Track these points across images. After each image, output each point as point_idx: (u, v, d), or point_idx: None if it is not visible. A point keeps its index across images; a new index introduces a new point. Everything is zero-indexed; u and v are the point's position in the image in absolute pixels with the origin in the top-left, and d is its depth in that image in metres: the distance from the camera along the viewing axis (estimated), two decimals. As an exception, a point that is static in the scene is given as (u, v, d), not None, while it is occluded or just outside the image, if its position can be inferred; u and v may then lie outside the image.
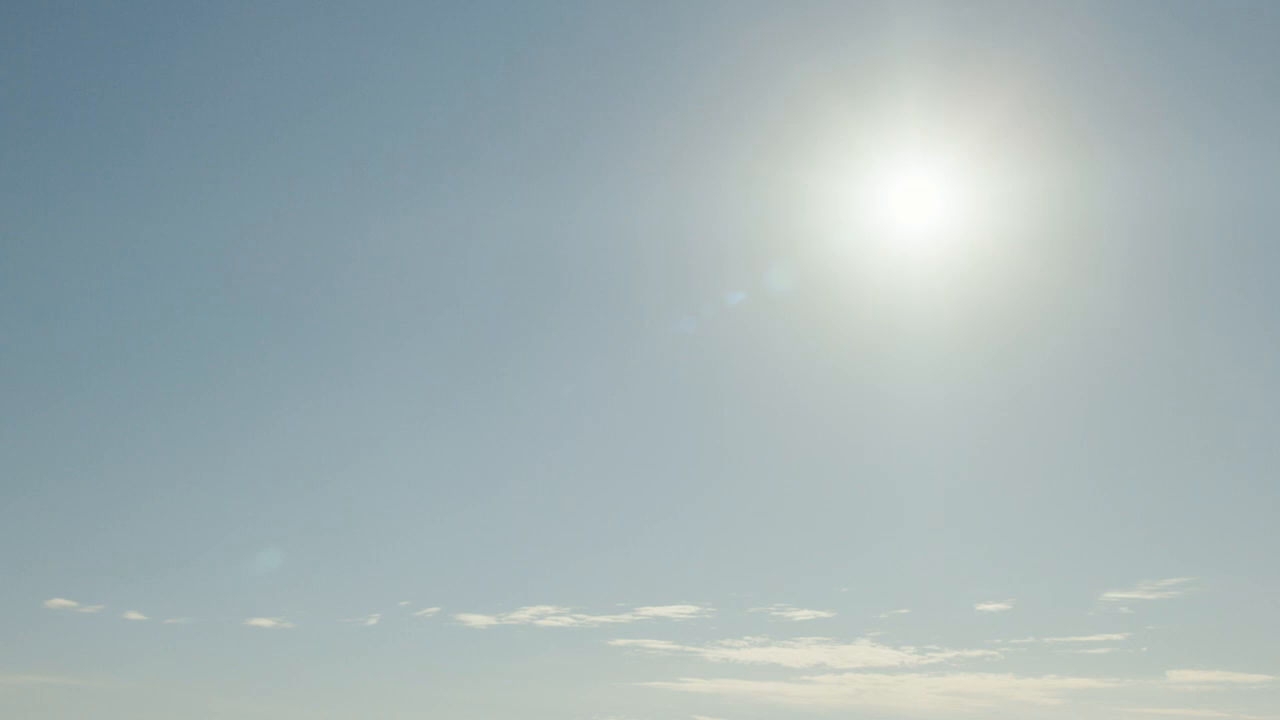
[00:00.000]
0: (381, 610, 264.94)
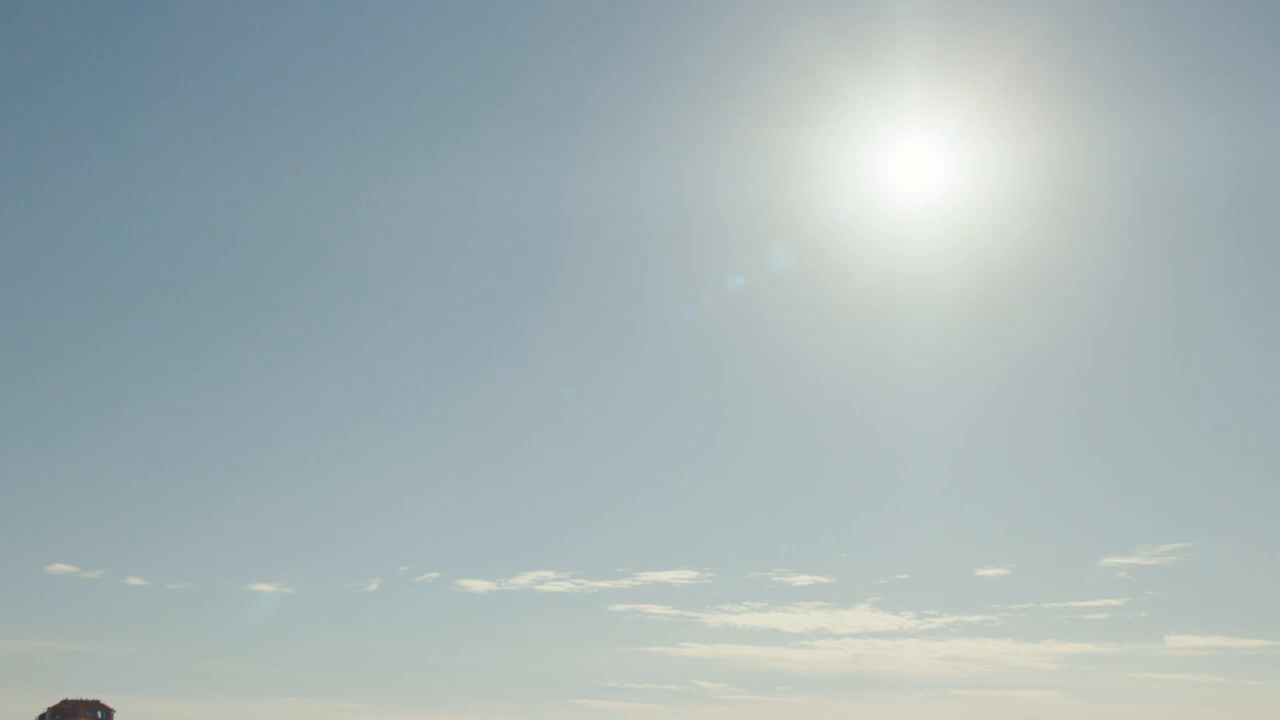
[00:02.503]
0: (382, 575, 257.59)
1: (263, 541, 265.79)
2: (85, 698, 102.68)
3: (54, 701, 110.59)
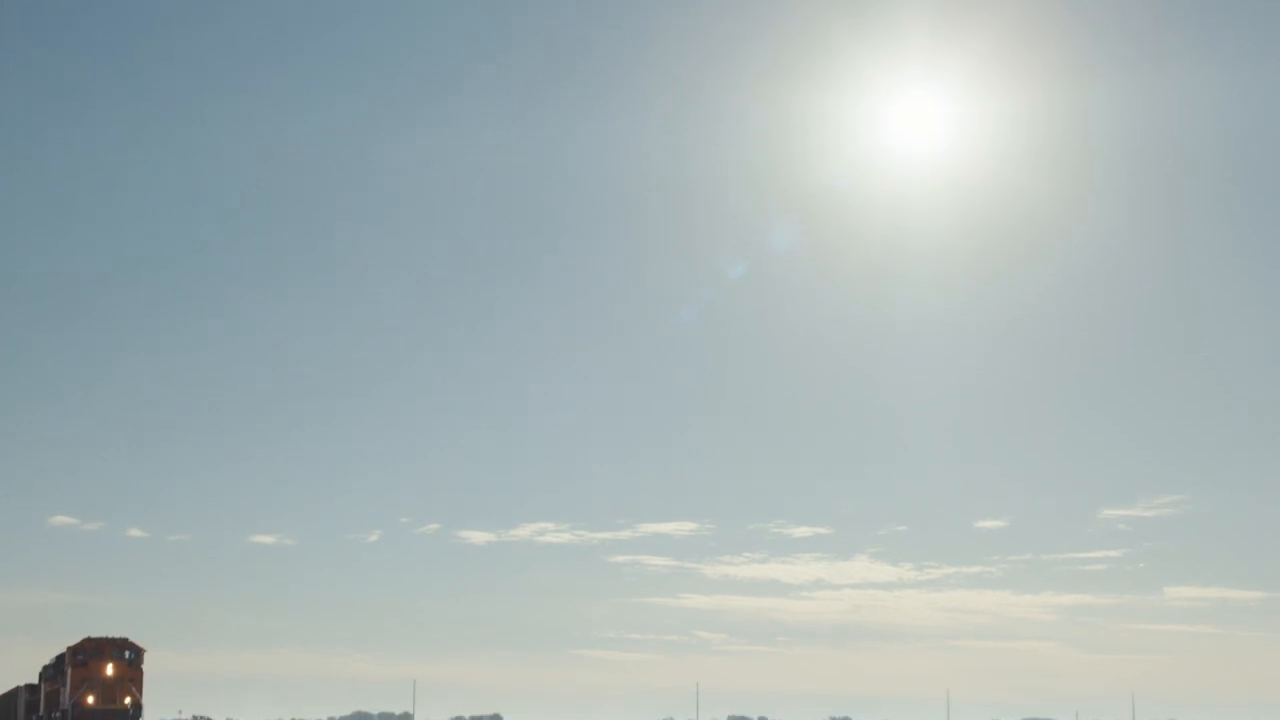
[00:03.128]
0: (382, 527, 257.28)
1: (263, 493, 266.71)
2: (111, 635, 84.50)
3: (71, 641, 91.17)
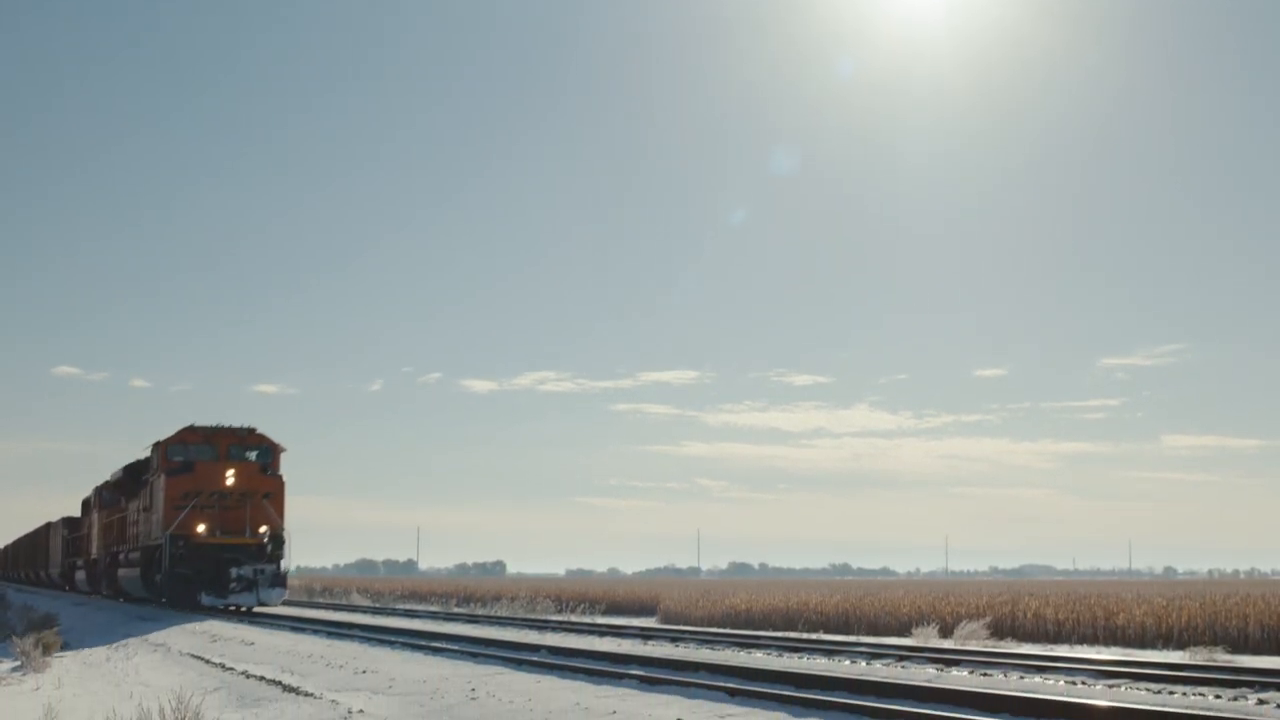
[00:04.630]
0: (384, 376, 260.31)
1: (266, 343, 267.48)
2: (234, 424, 40.02)
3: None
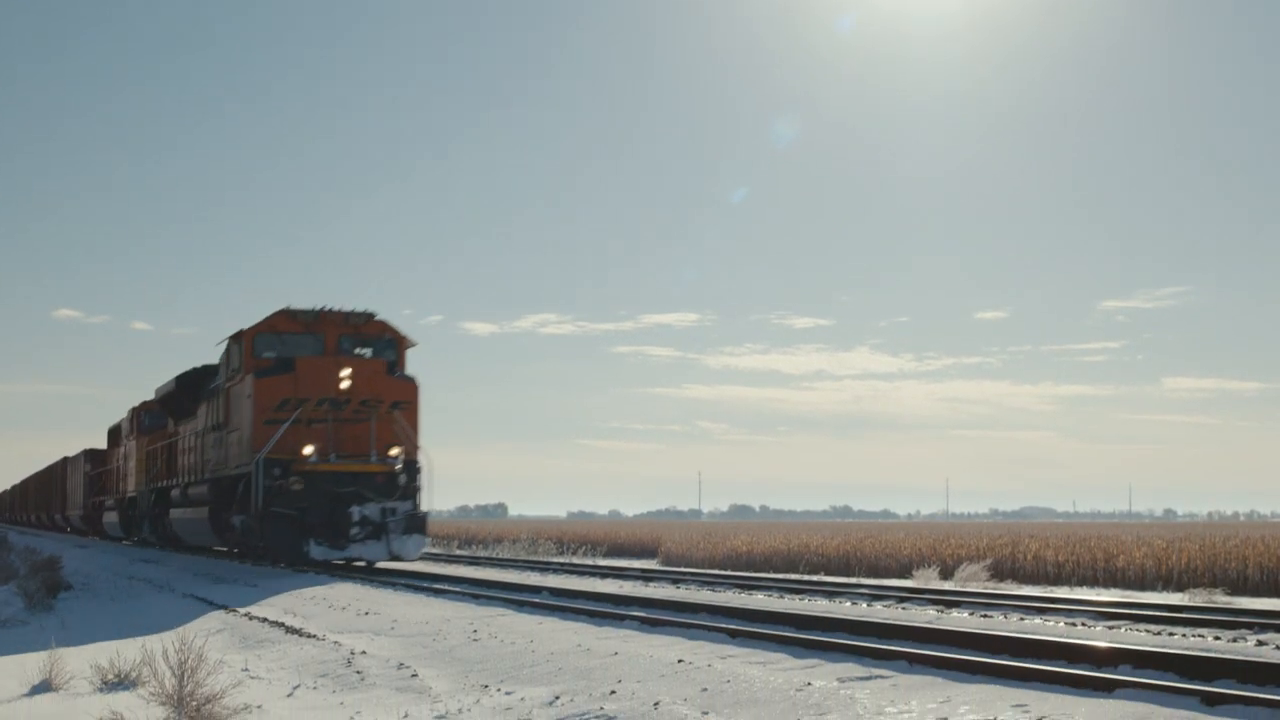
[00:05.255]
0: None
1: (267, 286, 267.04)
2: (357, 308, 27.72)
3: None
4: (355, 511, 25.10)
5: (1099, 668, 9.89)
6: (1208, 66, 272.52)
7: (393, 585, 21.36)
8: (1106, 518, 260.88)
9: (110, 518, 48.14)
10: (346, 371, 26.01)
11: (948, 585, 25.61)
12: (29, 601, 19.44)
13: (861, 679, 9.40)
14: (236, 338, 27.78)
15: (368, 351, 27.50)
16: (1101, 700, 8.16)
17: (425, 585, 21.20)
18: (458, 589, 20.12)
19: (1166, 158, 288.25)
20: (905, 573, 31.79)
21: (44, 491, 70.49)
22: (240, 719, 8.05)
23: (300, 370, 25.94)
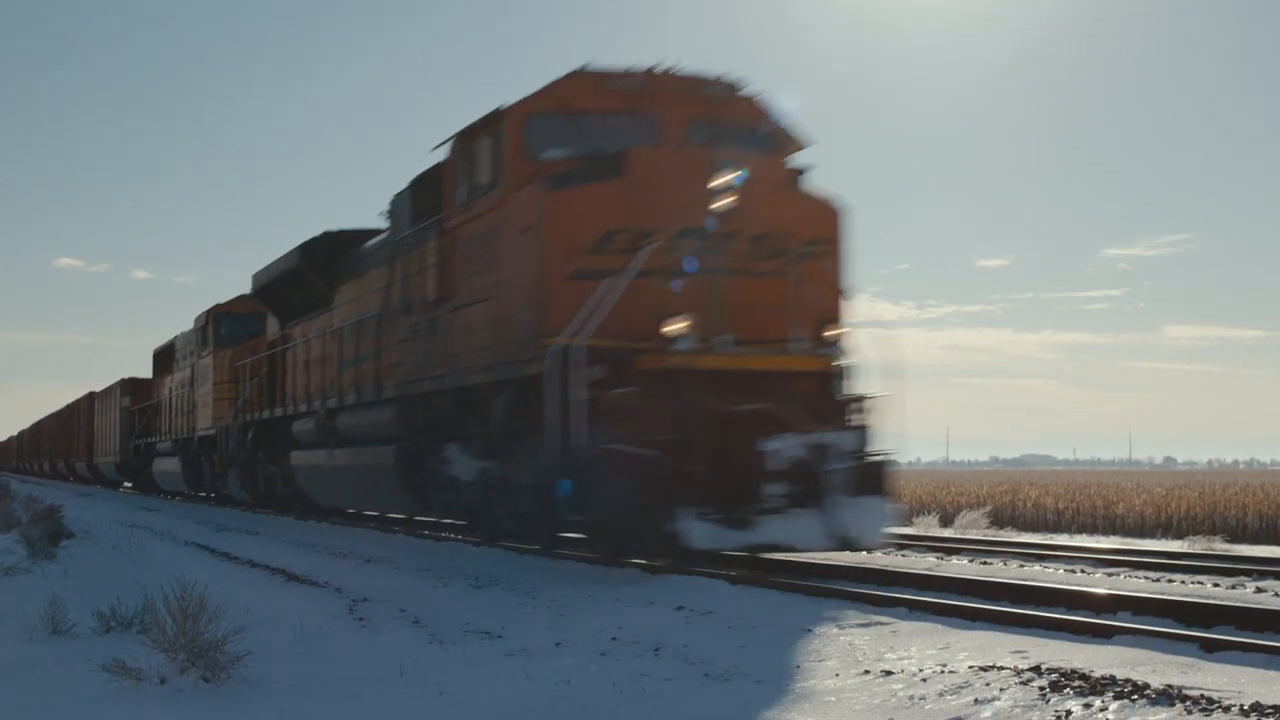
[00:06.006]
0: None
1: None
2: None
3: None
4: (772, 451, 12.41)
5: (1098, 614, 9.94)
6: (1209, 18, 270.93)
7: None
8: (1106, 465, 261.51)
9: (165, 465, 36.97)
10: (731, 177, 13.16)
11: (947, 532, 25.69)
12: (31, 550, 19.53)
13: (861, 625, 9.44)
14: (492, 120, 14.73)
15: (758, 148, 14.62)
16: (1100, 646, 8.19)
17: (427, 534, 21.04)
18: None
19: (1168, 107, 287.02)
20: (905, 520, 31.88)
21: (62, 436, 59.06)
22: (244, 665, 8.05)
23: (639, 171, 13.40)
